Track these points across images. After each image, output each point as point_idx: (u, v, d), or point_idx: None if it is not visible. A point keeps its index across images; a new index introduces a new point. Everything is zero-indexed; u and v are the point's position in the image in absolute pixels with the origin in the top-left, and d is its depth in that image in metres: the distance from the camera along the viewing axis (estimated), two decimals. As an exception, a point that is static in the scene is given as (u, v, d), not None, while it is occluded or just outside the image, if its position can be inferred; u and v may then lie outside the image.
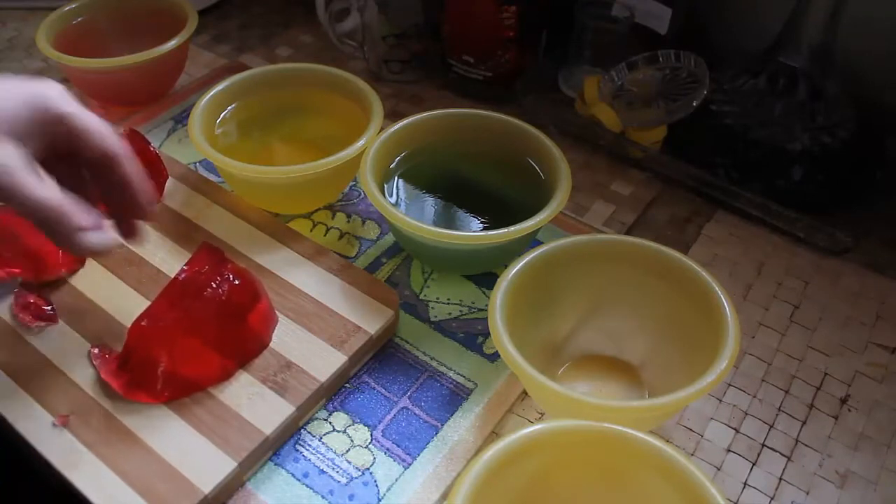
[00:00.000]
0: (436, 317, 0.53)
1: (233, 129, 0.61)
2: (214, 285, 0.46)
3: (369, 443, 0.46)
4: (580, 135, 0.68)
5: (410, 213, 0.54)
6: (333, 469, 0.45)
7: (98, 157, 0.41)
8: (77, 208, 0.39)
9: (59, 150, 0.41)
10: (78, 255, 0.40)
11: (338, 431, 0.47)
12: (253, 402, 0.45)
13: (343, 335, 0.49)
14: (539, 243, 0.49)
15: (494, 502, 0.36)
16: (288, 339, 0.49)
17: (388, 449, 0.46)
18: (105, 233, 0.41)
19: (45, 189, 0.38)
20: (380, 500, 0.44)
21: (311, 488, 0.44)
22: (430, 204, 0.56)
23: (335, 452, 0.46)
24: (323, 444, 0.46)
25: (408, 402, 0.48)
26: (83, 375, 0.46)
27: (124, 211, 0.43)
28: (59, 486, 0.42)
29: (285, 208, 0.60)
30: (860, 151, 0.61)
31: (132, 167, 0.42)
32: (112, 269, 0.53)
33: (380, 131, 0.55)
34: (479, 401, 0.48)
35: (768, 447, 0.47)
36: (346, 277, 0.53)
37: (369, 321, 0.50)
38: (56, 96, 0.40)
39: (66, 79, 0.74)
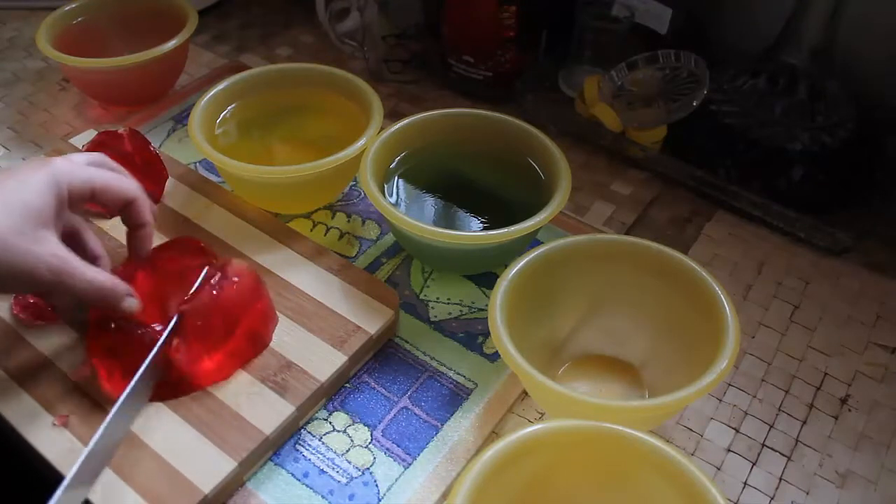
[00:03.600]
0: (436, 317, 0.53)
1: (233, 129, 0.61)
2: (214, 285, 0.46)
3: (369, 443, 0.46)
4: (580, 135, 0.68)
5: (410, 213, 0.54)
6: (333, 469, 0.45)
7: (120, 205, 0.45)
8: (119, 281, 0.43)
9: (81, 205, 0.44)
10: (120, 316, 0.45)
11: (338, 431, 0.47)
12: (253, 401, 0.45)
13: (343, 335, 0.49)
14: (539, 243, 0.49)
15: (494, 502, 0.36)
16: (288, 339, 0.49)
17: (388, 449, 0.46)
18: (135, 298, 0.45)
19: (94, 272, 0.42)
20: (380, 500, 0.44)
21: (311, 488, 0.44)
22: (430, 204, 0.56)
23: (335, 452, 0.46)
24: (323, 443, 0.46)
25: (408, 401, 0.48)
26: (83, 375, 0.46)
27: (137, 235, 0.47)
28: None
29: (285, 208, 0.60)
30: (860, 151, 0.61)
31: (147, 207, 0.46)
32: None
33: (380, 131, 0.55)
34: (479, 401, 0.48)
35: (768, 447, 0.47)
36: (346, 277, 0.53)
37: (369, 321, 0.50)
38: (66, 171, 0.42)
39: (66, 78, 0.74)
